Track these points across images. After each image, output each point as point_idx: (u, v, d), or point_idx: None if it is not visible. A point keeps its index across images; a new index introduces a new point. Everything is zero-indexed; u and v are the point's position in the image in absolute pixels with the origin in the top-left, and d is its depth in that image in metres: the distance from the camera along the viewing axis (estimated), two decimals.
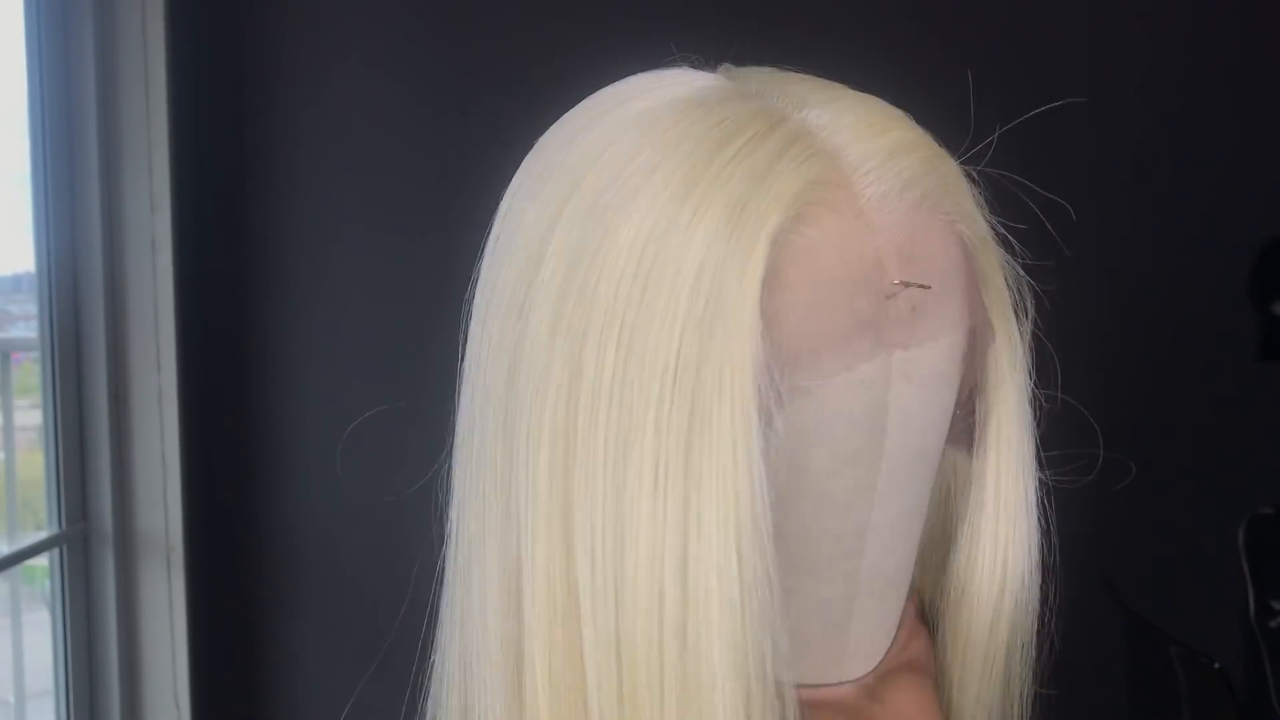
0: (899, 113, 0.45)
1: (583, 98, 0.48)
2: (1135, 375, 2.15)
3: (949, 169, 0.44)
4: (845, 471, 0.43)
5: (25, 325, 2.04)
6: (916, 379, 0.43)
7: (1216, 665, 1.60)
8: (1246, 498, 1.91)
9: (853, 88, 0.46)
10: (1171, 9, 2.15)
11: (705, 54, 0.48)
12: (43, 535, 1.83)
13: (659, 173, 0.42)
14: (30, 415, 1.94)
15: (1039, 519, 0.48)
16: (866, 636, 0.48)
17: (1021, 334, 0.46)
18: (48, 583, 1.89)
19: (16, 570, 1.84)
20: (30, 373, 1.97)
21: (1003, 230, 0.47)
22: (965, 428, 0.48)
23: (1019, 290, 0.47)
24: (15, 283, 2.12)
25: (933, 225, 0.43)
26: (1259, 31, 2.17)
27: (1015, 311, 0.46)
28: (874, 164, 0.42)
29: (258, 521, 2.11)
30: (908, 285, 0.42)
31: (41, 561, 1.87)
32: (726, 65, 0.48)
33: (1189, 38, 2.16)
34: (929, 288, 0.42)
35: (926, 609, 0.53)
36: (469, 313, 0.47)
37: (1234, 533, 1.86)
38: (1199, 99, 2.16)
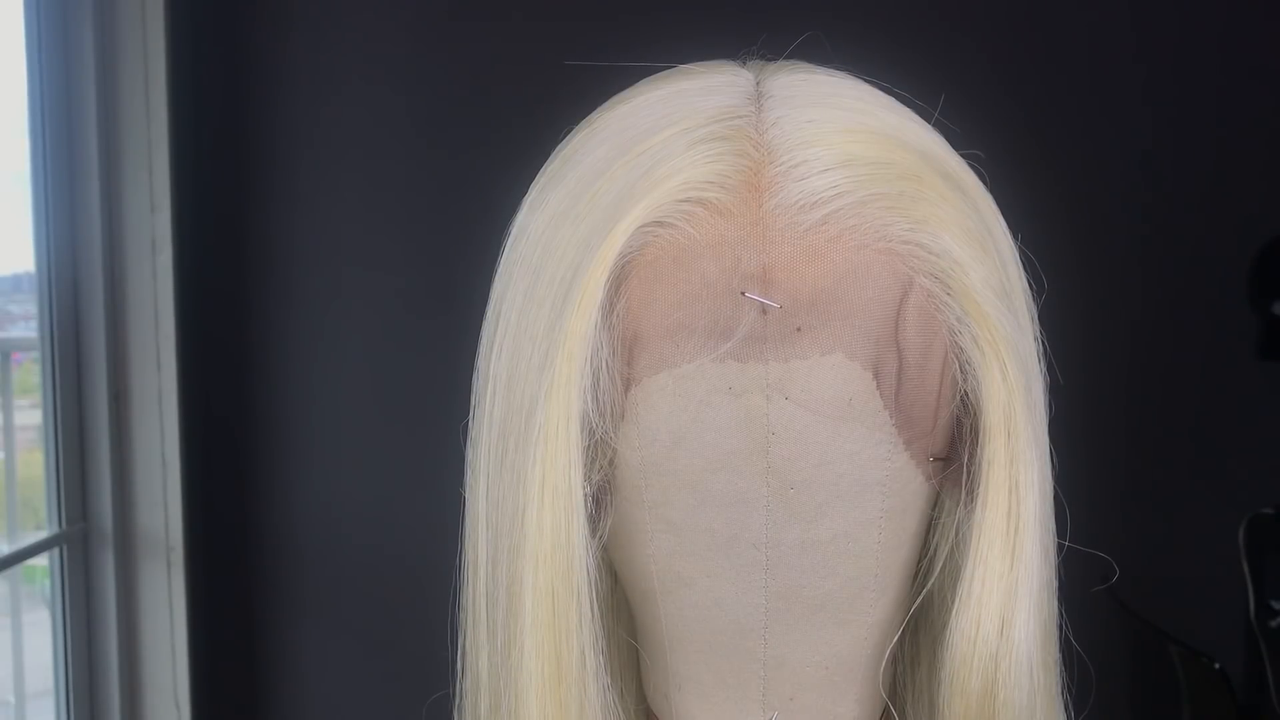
0: (883, 124, 0.43)
1: (587, 99, 0.48)
2: (1135, 375, 2.16)
3: (898, 194, 0.42)
4: (724, 474, 0.43)
5: (25, 325, 2.04)
6: (797, 398, 0.42)
7: (1216, 665, 1.60)
8: (1246, 498, 1.92)
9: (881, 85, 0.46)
10: (1172, 8, 2.15)
11: (720, 56, 0.48)
12: (43, 535, 1.83)
13: (585, 161, 0.44)
14: (30, 415, 1.94)
15: (1040, 597, 0.44)
16: (794, 666, 0.46)
17: (1022, 384, 0.43)
18: (48, 583, 1.89)
19: (16, 570, 1.85)
20: (30, 373, 1.97)
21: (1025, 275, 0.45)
22: (950, 476, 0.45)
23: (1042, 341, 0.45)
24: (15, 283, 2.12)
25: (832, 247, 0.41)
26: (1259, 31, 2.17)
27: (1020, 362, 0.43)
28: (785, 174, 0.41)
29: (258, 521, 2.11)
30: (759, 301, 0.41)
31: (41, 561, 1.87)
32: (756, 60, 0.47)
33: (1190, 37, 2.16)
34: (777, 306, 0.41)
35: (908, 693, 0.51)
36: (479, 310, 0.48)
37: (1234, 533, 1.86)
38: (1199, 98, 2.16)
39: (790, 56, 0.48)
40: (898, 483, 0.44)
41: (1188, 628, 1.73)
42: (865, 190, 0.41)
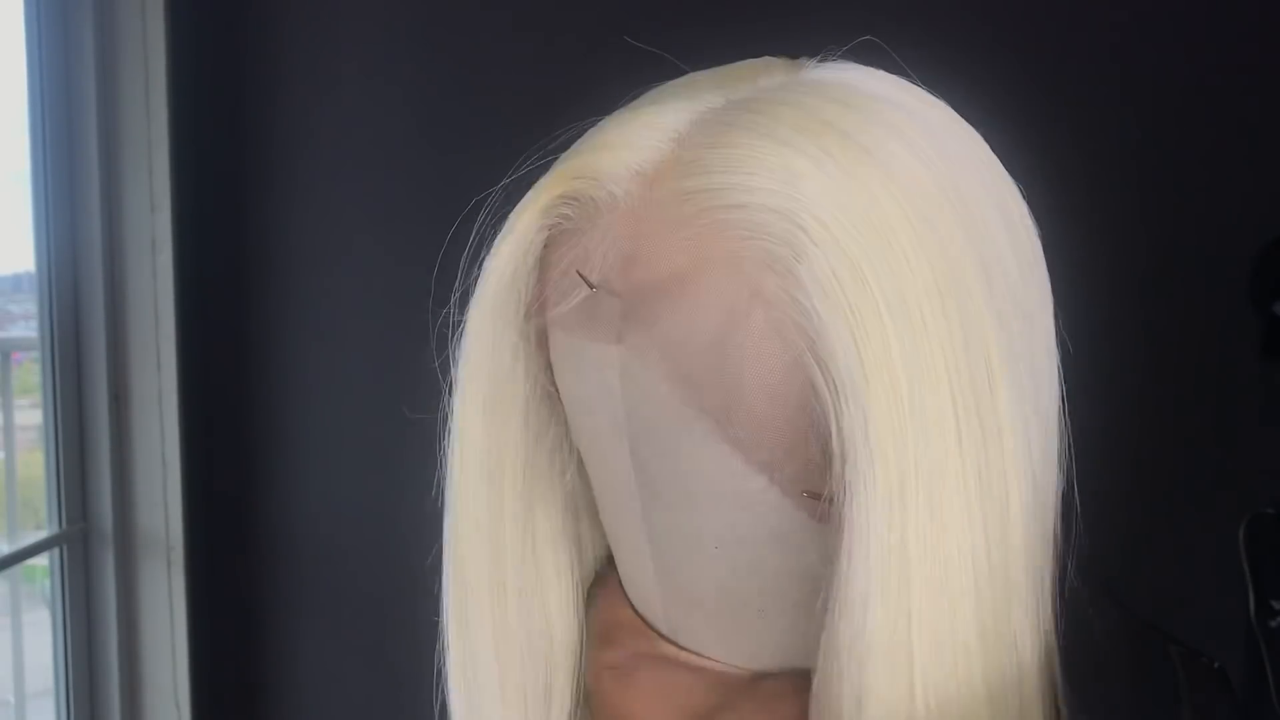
0: (836, 141, 0.40)
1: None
2: (1135, 375, 2.15)
3: (781, 208, 0.39)
4: (601, 441, 0.45)
5: (25, 325, 2.04)
6: (641, 384, 0.42)
7: (1216, 665, 1.60)
8: (1246, 498, 1.92)
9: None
10: (1172, 7, 2.15)
11: (715, 58, 0.48)
12: (43, 535, 1.83)
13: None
14: (30, 415, 1.93)
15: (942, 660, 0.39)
16: (686, 640, 0.47)
17: (888, 427, 0.38)
18: (48, 583, 1.89)
19: (16, 570, 1.84)
20: (30, 373, 1.97)
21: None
22: (808, 497, 0.42)
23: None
24: (15, 283, 2.12)
25: (684, 247, 0.40)
26: (1260, 30, 2.17)
27: (890, 402, 0.38)
28: (674, 171, 0.41)
29: (258, 521, 2.11)
30: (584, 280, 0.43)
31: (41, 561, 1.86)
32: (806, 59, 0.46)
33: (1190, 36, 2.16)
34: (593, 288, 0.42)
35: None
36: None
37: (1234, 533, 1.86)
38: (1199, 98, 2.16)
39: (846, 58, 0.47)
40: (764, 506, 0.42)
41: (1188, 628, 1.73)
42: (742, 198, 0.39)
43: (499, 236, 0.45)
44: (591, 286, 0.42)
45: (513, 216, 0.44)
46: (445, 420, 0.49)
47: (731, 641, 0.46)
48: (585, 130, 0.46)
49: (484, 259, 0.46)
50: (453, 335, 0.49)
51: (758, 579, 0.44)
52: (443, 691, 0.50)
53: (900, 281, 0.38)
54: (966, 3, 2.16)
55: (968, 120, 0.45)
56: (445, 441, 0.48)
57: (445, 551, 0.48)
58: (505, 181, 0.48)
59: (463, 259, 0.48)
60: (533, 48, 2.02)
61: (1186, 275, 2.16)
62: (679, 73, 0.47)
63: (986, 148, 0.44)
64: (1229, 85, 2.17)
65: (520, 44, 2.06)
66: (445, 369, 0.49)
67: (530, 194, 0.44)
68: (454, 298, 0.49)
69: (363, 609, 2.12)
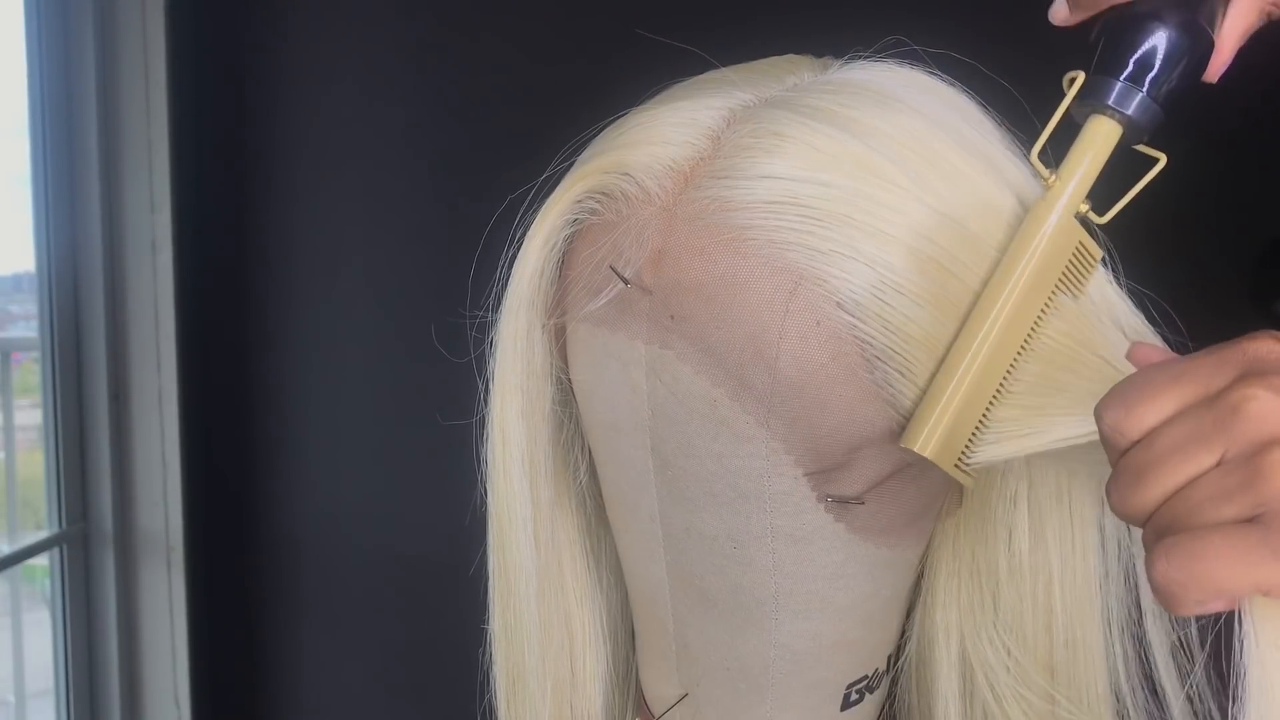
0: (860, 147, 0.40)
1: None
2: None
3: (814, 220, 0.40)
4: (620, 437, 0.44)
5: (25, 325, 2.04)
6: (668, 384, 0.42)
7: None
8: None
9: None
10: None
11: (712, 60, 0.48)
12: (43, 535, 1.83)
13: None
14: (30, 415, 1.93)
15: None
16: (696, 652, 0.47)
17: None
18: (48, 583, 1.89)
19: (16, 570, 1.84)
20: (30, 373, 1.97)
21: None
22: (833, 506, 0.43)
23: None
24: (15, 283, 2.12)
25: (721, 249, 0.41)
26: (1260, 29, 2.17)
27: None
28: (712, 172, 0.42)
29: (258, 521, 2.11)
30: (615, 272, 0.42)
31: (41, 561, 1.86)
32: (831, 58, 0.47)
33: None
34: (626, 283, 0.42)
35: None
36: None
37: None
38: (1199, 97, 2.16)
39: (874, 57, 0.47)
40: (789, 507, 0.42)
41: (1186, 627, 1.73)
42: (777, 204, 0.40)
43: (528, 234, 0.44)
44: (626, 282, 0.42)
45: (540, 213, 0.44)
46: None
47: (747, 640, 0.45)
48: (602, 129, 0.46)
49: (504, 258, 0.46)
50: (470, 338, 0.49)
51: (772, 577, 0.44)
52: (481, 686, 0.50)
53: (944, 285, 0.40)
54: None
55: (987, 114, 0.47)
56: (483, 444, 0.47)
57: (490, 554, 0.47)
58: (531, 185, 0.48)
59: (474, 260, 0.48)
60: (534, 48, 2.02)
61: (1186, 275, 2.16)
62: (690, 69, 0.47)
63: (1008, 143, 0.48)
64: (1229, 84, 2.16)
65: (523, 43, 2.06)
66: (449, 370, 0.49)
67: (557, 190, 0.44)
68: (467, 299, 0.49)
69: (362, 608, 2.12)
